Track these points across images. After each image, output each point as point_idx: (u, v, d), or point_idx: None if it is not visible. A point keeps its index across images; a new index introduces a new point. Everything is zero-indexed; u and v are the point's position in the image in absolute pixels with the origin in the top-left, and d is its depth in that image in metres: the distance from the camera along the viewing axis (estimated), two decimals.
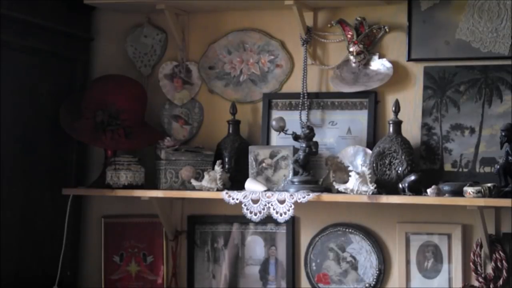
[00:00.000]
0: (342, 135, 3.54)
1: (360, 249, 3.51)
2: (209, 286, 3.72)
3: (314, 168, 3.44)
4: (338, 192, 3.29)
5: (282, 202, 3.27)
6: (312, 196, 3.24)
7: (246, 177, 3.44)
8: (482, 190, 3.03)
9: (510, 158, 3.13)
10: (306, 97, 3.58)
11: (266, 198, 3.30)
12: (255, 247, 3.67)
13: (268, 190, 3.36)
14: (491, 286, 3.25)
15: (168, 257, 3.77)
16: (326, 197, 3.27)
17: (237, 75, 3.72)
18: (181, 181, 3.54)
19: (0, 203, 3.38)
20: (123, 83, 3.69)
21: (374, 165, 3.30)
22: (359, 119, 3.52)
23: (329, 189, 3.36)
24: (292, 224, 3.59)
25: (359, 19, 3.50)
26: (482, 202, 3.03)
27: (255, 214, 3.31)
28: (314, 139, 3.40)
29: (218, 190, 3.40)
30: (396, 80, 3.48)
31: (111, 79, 3.72)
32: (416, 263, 3.43)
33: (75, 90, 3.76)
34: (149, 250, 3.79)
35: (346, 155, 3.42)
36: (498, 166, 3.16)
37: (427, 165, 3.38)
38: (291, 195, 3.26)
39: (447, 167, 3.35)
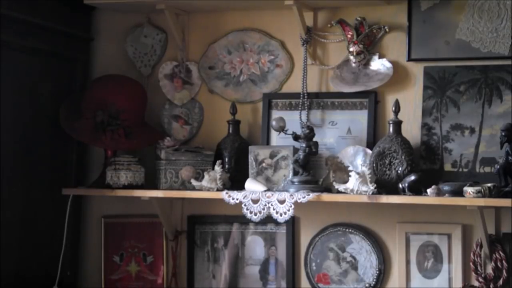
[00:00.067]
0: (342, 135, 3.54)
1: (360, 249, 3.51)
2: (209, 286, 3.72)
3: (314, 168, 3.44)
4: (338, 192, 3.29)
5: (282, 202, 3.27)
6: (312, 196, 3.24)
7: (246, 177, 3.44)
8: (482, 190, 3.03)
9: (510, 158, 3.13)
10: (306, 97, 3.58)
11: (266, 198, 3.30)
12: (255, 247, 3.67)
13: (268, 190, 3.36)
14: (491, 286, 3.25)
15: (168, 257, 3.77)
16: (326, 197, 3.27)
17: (237, 75, 3.72)
18: (181, 181, 3.54)
19: (0, 203, 3.38)
20: (123, 83, 3.69)
21: (374, 165, 3.30)
22: (359, 119, 3.52)
23: (329, 189, 3.36)
24: (292, 224, 3.59)
25: (359, 19, 3.50)
26: (482, 202, 3.03)
27: (255, 214, 3.31)
28: (314, 139, 3.40)
29: (218, 190, 3.40)
30: (396, 80, 3.48)
31: (111, 79, 3.72)
32: (416, 263, 3.43)
33: (75, 90, 3.76)
34: (149, 250, 3.79)
35: (346, 155, 3.42)
36: (498, 166, 3.16)
37: (427, 165, 3.38)
38: (291, 195, 3.26)
39: (447, 167, 3.35)
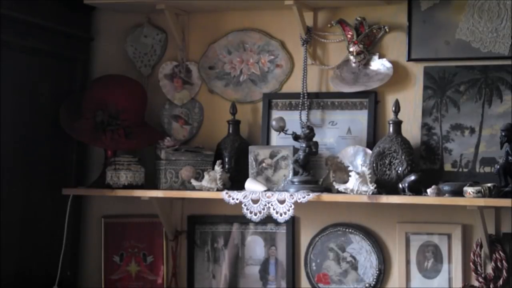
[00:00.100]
0: (342, 135, 3.54)
1: (360, 249, 3.51)
2: (209, 286, 3.72)
3: (314, 168, 3.44)
4: (338, 192, 3.29)
5: (282, 202, 3.27)
6: (312, 196, 3.24)
7: (246, 177, 3.44)
8: (482, 190, 3.03)
9: (510, 158, 3.13)
10: (306, 97, 3.58)
11: (266, 198, 3.30)
12: (255, 247, 3.67)
13: (268, 190, 3.36)
14: (491, 286, 3.25)
15: (168, 257, 3.77)
16: (326, 197, 3.27)
17: (237, 75, 3.72)
18: (181, 181, 3.54)
19: (0, 203, 3.38)
20: (123, 83, 3.69)
21: (374, 165, 3.30)
22: (359, 119, 3.52)
23: (329, 189, 3.36)
24: (292, 224, 3.59)
25: (359, 19, 3.50)
26: (482, 202, 3.03)
27: (255, 214, 3.31)
28: (314, 139, 3.40)
29: (218, 190, 3.40)
30: (396, 80, 3.47)
31: (111, 79, 3.72)
32: (416, 263, 3.43)
33: (75, 90, 3.76)
34: (149, 250, 3.79)
35: (346, 155, 3.42)
36: (498, 166, 3.16)
37: (427, 165, 3.37)
38: (291, 195, 3.26)
39: (447, 167, 3.35)
